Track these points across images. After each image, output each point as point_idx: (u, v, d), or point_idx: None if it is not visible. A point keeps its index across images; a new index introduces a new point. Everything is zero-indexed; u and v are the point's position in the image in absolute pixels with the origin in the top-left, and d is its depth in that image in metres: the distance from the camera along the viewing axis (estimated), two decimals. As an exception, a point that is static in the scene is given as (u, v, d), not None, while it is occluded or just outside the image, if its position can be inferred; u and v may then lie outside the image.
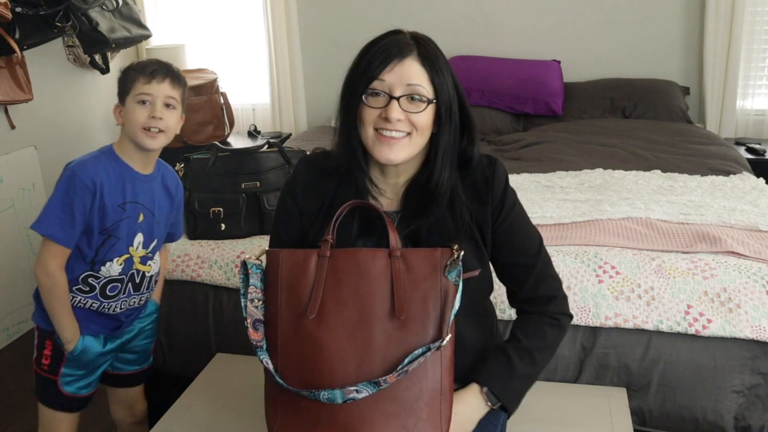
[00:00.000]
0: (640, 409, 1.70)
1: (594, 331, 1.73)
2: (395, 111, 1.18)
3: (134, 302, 1.67)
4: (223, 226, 2.13)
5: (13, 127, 2.98)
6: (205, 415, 1.58)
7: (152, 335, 1.79)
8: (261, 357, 1.18)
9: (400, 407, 1.14)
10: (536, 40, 3.71)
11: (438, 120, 1.23)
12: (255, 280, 1.23)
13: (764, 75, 3.50)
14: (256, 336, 1.19)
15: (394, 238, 1.20)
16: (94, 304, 1.60)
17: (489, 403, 1.25)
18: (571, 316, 1.35)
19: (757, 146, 3.27)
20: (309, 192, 1.31)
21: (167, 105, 1.55)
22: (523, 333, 1.30)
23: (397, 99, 1.18)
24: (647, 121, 3.28)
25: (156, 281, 1.73)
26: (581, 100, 3.49)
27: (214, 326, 2.03)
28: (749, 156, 3.16)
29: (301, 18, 3.91)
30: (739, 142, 3.37)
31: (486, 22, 3.75)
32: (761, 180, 2.51)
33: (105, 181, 1.53)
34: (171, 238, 1.81)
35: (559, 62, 3.61)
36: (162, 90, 1.54)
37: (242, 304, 1.22)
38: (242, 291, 1.23)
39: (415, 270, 1.17)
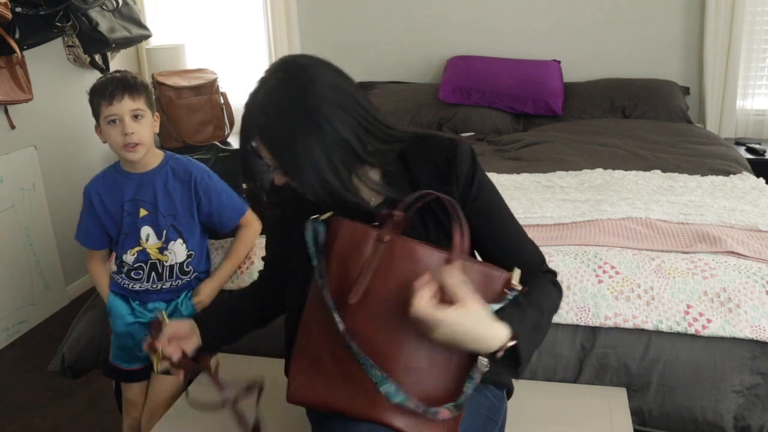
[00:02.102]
0: (640, 409, 1.70)
1: (594, 331, 1.73)
2: None
3: (157, 287, 1.80)
4: (223, 226, 2.14)
5: (13, 127, 2.98)
6: (206, 415, 1.57)
7: None
8: (336, 317, 1.12)
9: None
10: (536, 40, 3.71)
11: None
12: (322, 239, 1.18)
13: (764, 75, 3.50)
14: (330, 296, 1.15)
15: (458, 244, 1.11)
16: (119, 279, 1.83)
17: (507, 341, 1.08)
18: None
19: (757, 146, 3.27)
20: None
21: (135, 116, 1.68)
22: (530, 288, 1.20)
23: None
24: (647, 121, 3.28)
25: (183, 271, 1.79)
26: (581, 100, 3.49)
27: (214, 326, 2.02)
28: (749, 156, 3.16)
29: (301, 18, 3.91)
30: (739, 142, 3.38)
31: (486, 22, 3.76)
32: (761, 180, 2.50)
33: (102, 189, 1.78)
34: (220, 230, 1.84)
35: (559, 62, 3.61)
36: (124, 107, 1.66)
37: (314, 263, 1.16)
38: (314, 252, 1.16)
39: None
